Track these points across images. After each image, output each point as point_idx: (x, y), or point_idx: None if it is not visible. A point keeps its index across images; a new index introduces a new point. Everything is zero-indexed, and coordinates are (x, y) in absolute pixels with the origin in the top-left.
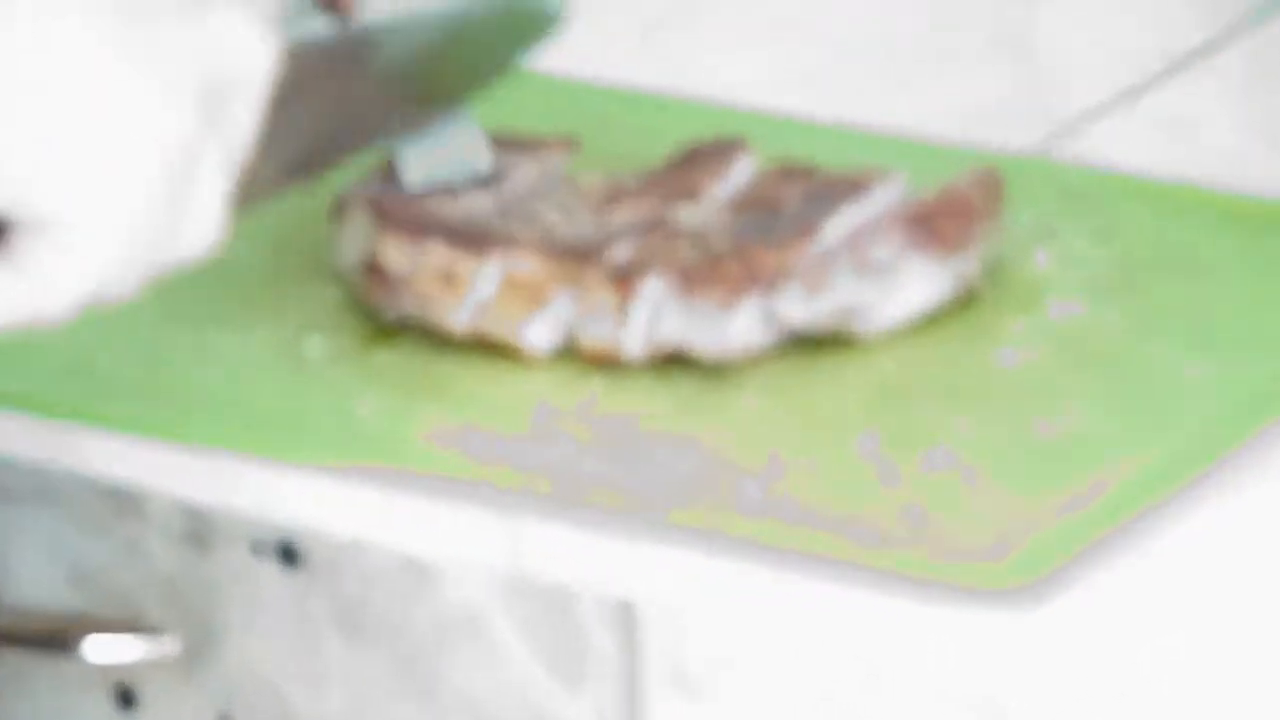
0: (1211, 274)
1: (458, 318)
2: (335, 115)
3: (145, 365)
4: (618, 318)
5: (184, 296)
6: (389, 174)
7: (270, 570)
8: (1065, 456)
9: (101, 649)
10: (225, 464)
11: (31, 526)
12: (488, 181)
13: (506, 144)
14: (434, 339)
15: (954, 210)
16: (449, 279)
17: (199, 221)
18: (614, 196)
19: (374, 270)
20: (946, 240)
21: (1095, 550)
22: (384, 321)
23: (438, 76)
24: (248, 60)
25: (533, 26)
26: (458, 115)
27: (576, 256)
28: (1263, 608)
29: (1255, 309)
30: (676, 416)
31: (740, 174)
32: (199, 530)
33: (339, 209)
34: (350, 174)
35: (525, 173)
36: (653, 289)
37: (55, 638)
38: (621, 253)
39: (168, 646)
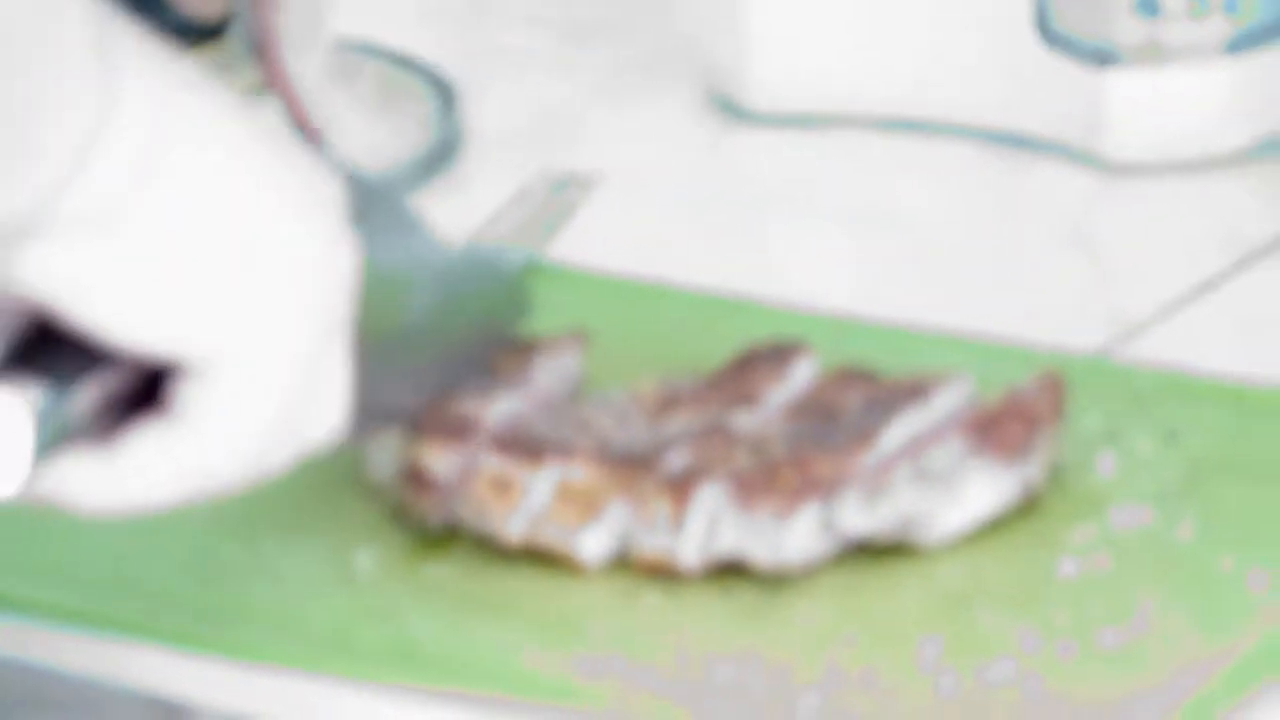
0: (1275, 475)
1: (511, 527)
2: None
3: (194, 579)
4: (673, 527)
5: (232, 508)
6: None
7: None
8: (1129, 669)
9: None
10: (276, 679)
11: None
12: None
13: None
14: (485, 549)
15: (1016, 416)
16: (502, 488)
17: (331, 393)
18: (670, 402)
19: (416, 479)
20: (1009, 446)
21: None
22: (431, 531)
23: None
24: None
25: (508, 300)
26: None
27: (631, 464)
28: None
29: None
30: (733, 628)
31: (800, 378)
32: None
33: None
34: None
35: (544, 372)
36: (709, 498)
37: None
38: (677, 461)
39: None
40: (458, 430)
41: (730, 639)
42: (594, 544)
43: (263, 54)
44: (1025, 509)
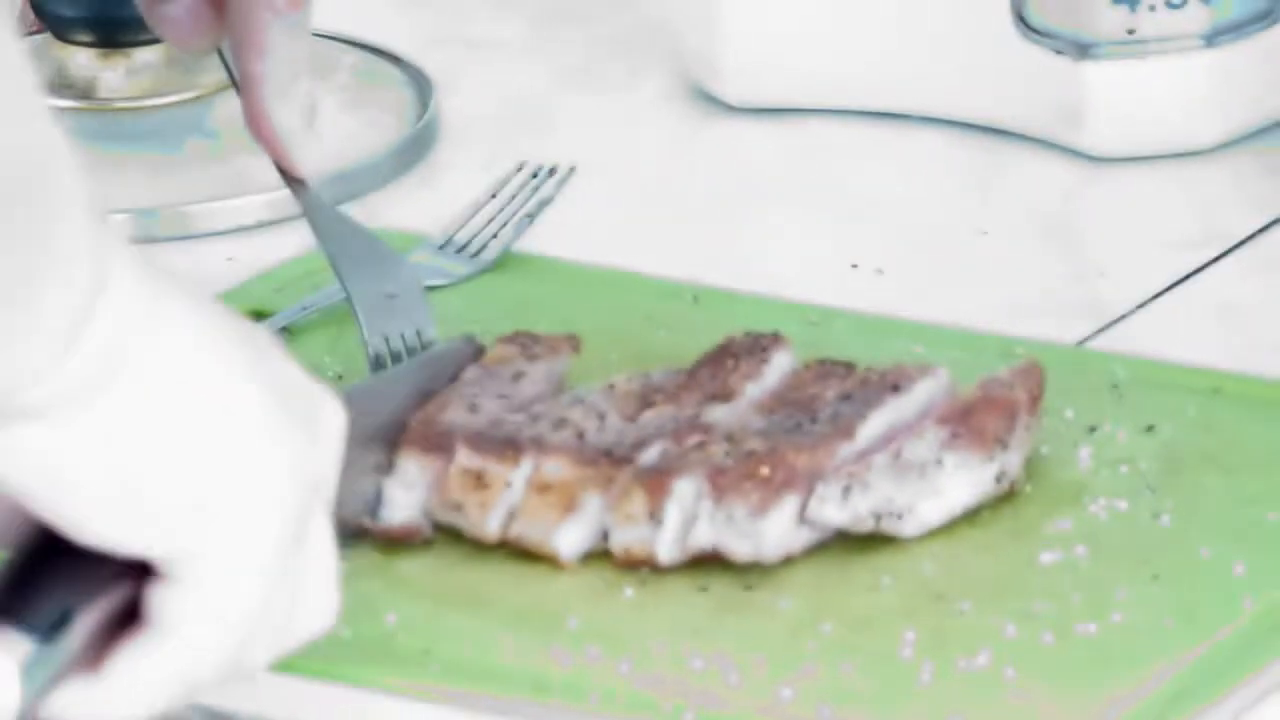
0: (1261, 468)
1: (488, 523)
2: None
3: None
4: (650, 521)
5: None
6: None
7: None
8: (1109, 658)
9: None
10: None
11: None
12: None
13: (514, 343)
14: (461, 544)
15: (994, 407)
16: (479, 484)
17: (319, 586)
18: (647, 396)
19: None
20: (987, 438)
21: None
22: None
23: None
24: (330, 422)
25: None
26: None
27: (608, 459)
28: None
29: None
30: (711, 621)
31: (777, 370)
32: None
33: None
34: None
35: (532, 376)
36: (685, 492)
37: None
38: (654, 455)
39: None
40: (437, 443)
41: (708, 631)
42: (571, 539)
43: (246, 99)
44: (1003, 500)
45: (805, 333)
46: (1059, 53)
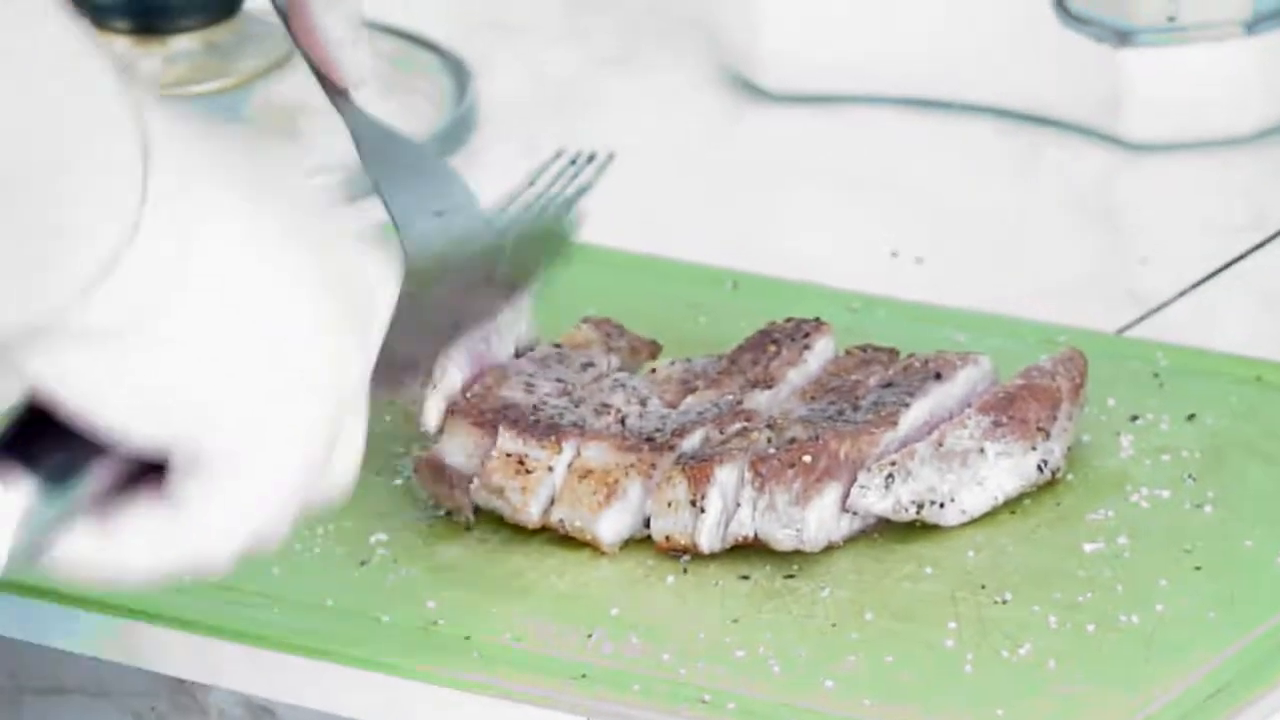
0: None
1: (530, 509)
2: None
3: None
4: (692, 509)
5: None
6: None
7: None
8: (1151, 649)
9: None
10: (291, 659)
11: None
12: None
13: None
14: (502, 530)
15: (1037, 396)
16: (520, 470)
17: (344, 460)
18: (688, 382)
19: (434, 469)
20: (1029, 427)
21: None
22: (451, 514)
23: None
24: (382, 295)
25: (551, 249)
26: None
27: (650, 446)
28: None
29: None
30: (752, 609)
31: (819, 356)
32: None
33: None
34: None
35: (599, 369)
36: (728, 479)
37: None
38: (695, 442)
39: None
40: (487, 419)
41: (749, 621)
42: (613, 525)
43: (293, 8)
44: (1045, 489)
45: (846, 320)
46: (1099, 40)
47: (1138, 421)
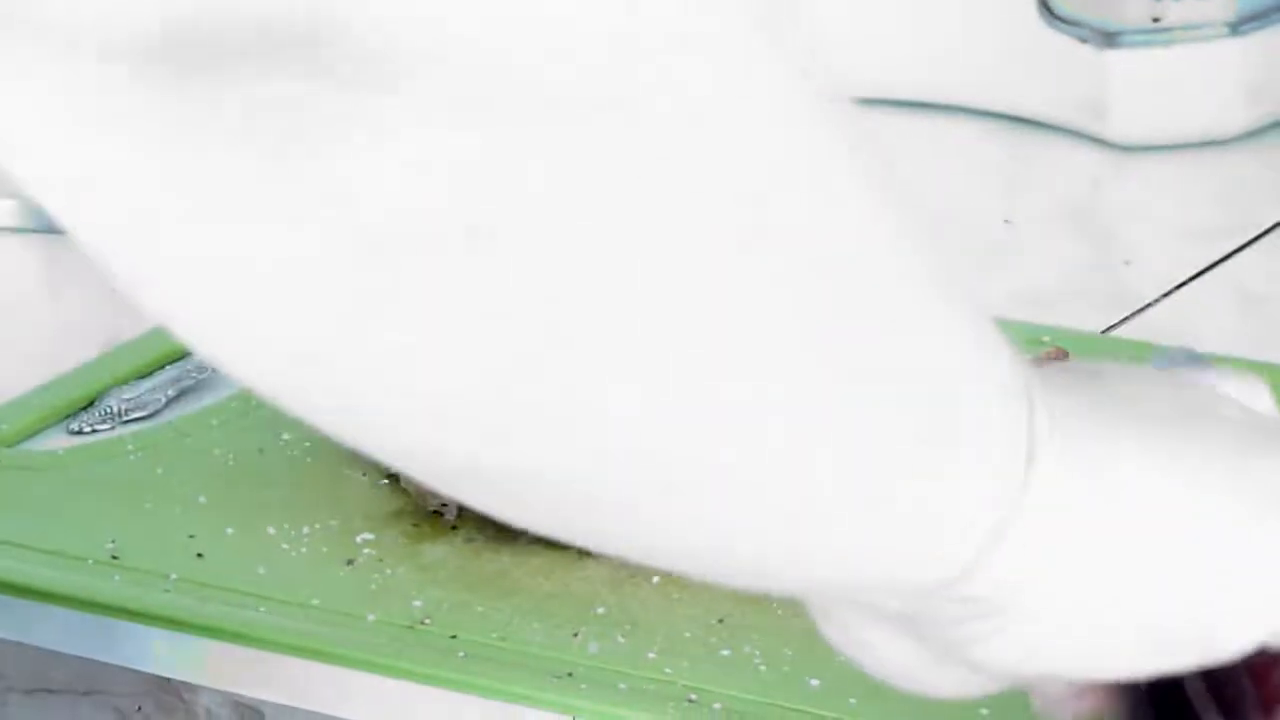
0: None
1: None
2: None
3: (193, 559)
4: None
5: (235, 491)
6: None
7: None
8: None
9: None
10: (278, 659)
11: None
12: None
13: None
14: (486, 529)
15: None
16: None
17: None
18: None
19: None
20: None
21: None
22: (437, 513)
23: None
24: None
25: None
26: None
27: None
28: None
29: None
30: (738, 608)
31: None
32: None
33: None
34: None
35: None
36: None
37: None
38: None
39: None
40: None
41: (735, 619)
42: None
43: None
44: None
45: None
46: (1084, 41)
47: None
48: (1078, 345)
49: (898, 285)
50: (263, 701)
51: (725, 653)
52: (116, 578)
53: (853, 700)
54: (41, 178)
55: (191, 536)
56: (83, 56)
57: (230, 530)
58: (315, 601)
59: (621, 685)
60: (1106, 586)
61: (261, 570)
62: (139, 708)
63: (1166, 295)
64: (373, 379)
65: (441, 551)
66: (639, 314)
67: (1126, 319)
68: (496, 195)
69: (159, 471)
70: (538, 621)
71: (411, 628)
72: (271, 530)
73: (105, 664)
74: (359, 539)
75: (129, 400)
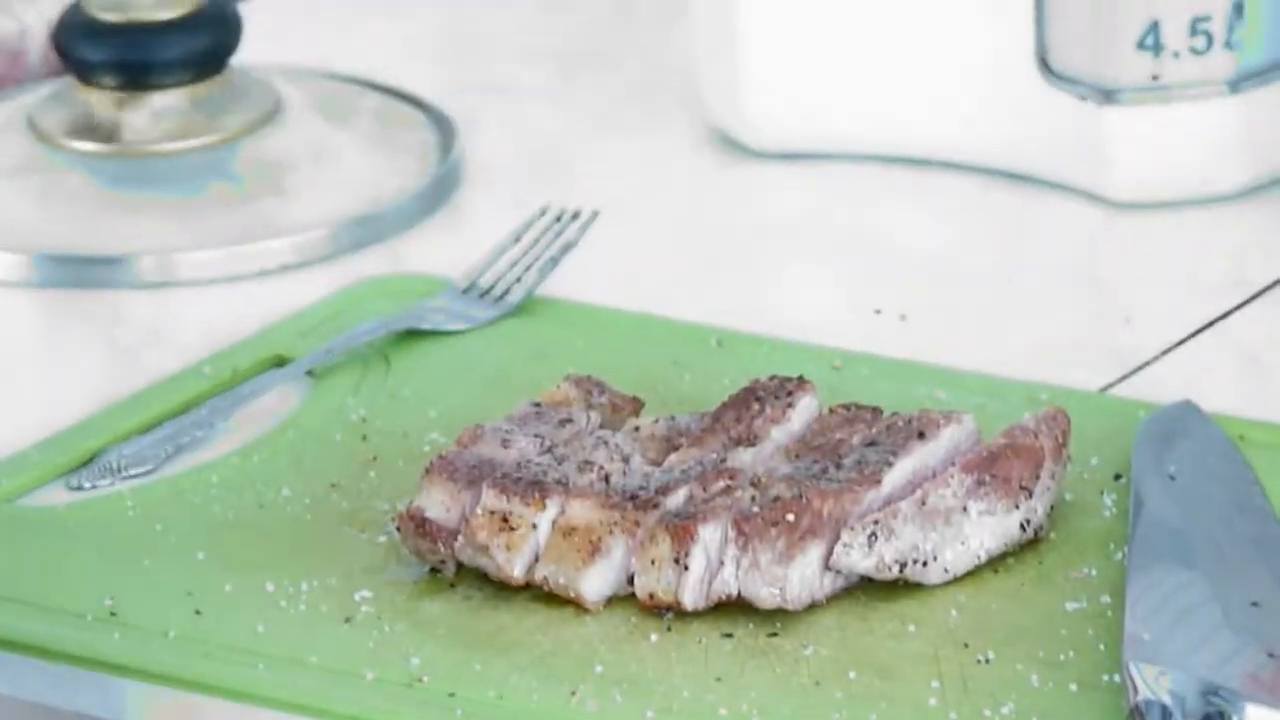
0: None
1: (514, 566)
2: None
3: (191, 616)
4: (675, 567)
5: (234, 545)
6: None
7: None
8: None
9: None
10: (276, 716)
11: None
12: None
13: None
14: (486, 587)
15: (1020, 455)
16: (505, 527)
17: None
18: (671, 440)
19: (417, 523)
20: (1012, 486)
21: None
22: (436, 570)
23: None
24: None
25: None
26: None
27: (634, 504)
28: None
29: None
30: (736, 667)
31: (802, 414)
32: None
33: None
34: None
35: (578, 425)
36: (711, 538)
37: None
38: (679, 500)
39: None
40: (462, 474)
41: (733, 678)
42: (596, 583)
43: None
44: (1028, 548)
45: (829, 377)
46: (1083, 98)
47: (1121, 480)
48: (1077, 403)
49: None
50: None
51: (723, 711)
52: (115, 634)
53: None
54: None
55: (190, 593)
56: None
57: (229, 587)
58: (313, 659)
59: None
60: None
61: (260, 627)
62: None
63: (1166, 353)
64: None
65: (439, 608)
66: None
67: (1125, 377)
68: None
69: (158, 528)
70: (535, 679)
71: (409, 685)
72: (270, 587)
73: None
74: (357, 596)
75: (128, 456)
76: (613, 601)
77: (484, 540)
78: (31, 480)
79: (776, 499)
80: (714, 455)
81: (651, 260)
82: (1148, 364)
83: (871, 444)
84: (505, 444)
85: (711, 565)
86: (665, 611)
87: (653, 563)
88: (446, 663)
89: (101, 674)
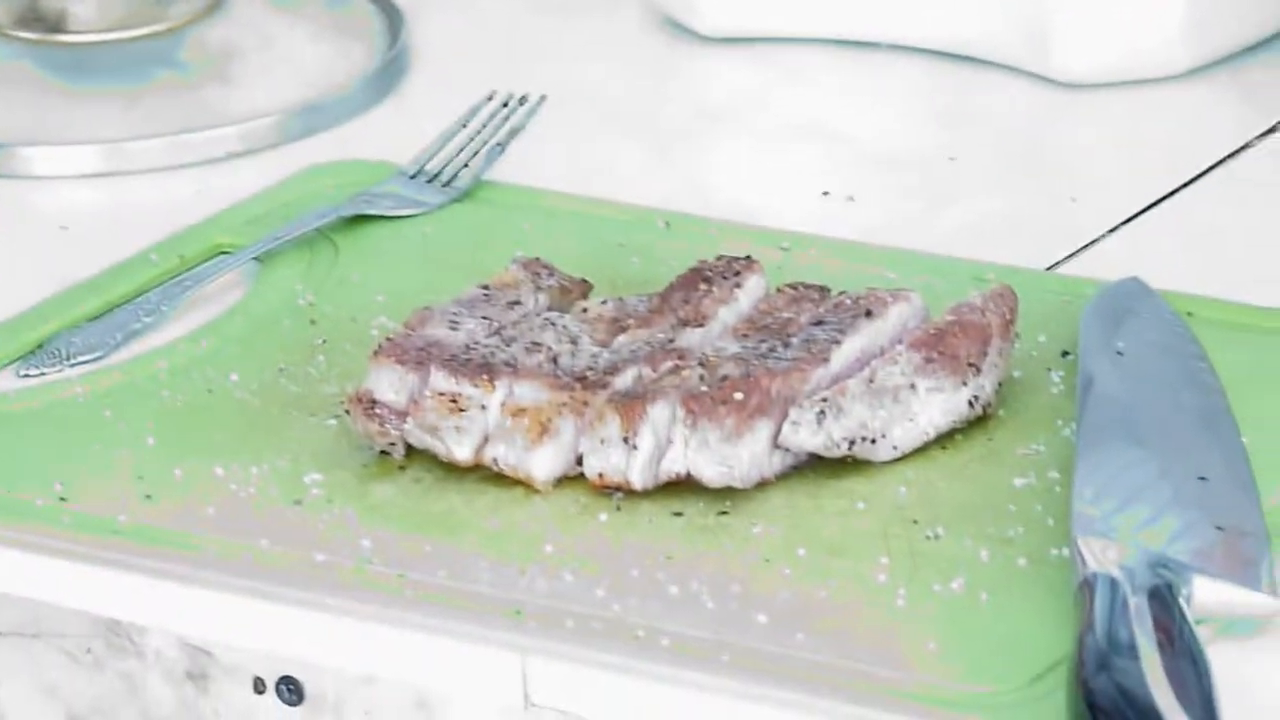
0: (1231, 391)
1: (462, 448)
2: None
3: (142, 501)
4: (624, 446)
5: (185, 431)
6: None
7: (272, 707)
8: None
9: None
10: (227, 600)
11: (23, 664)
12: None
13: (528, 269)
14: (435, 469)
15: (968, 332)
16: (453, 409)
17: None
18: (619, 321)
19: (365, 404)
20: (960, 363)
21: None
22: (385, 453)
23: None
24: None
25: None
26: None
27: (582, 384)
28: None
29: (1272, 424)
30: (685, 545)
31: (749, 294)
32: (199, 667)
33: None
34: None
35: (526, 308)
36: (659, 417)
37: None
38: (627, 380)
39: None
40: (411, 356)
41: (682, 557)
42: (546, 463)
43: None
44: (977, 425)
45: (777, 259)
46: None
47: (1068, 357)
48: (1023, 281)
49: None
50: (211, 642)
51: (673, 590)
52: (65, 519)
53: (800, 635)
54: None
55: (140, 478)
56: None
57: (179, 472)
58: (264, 542)
59: (569, 623)
60: None
61: (210, 511)
62: (88, 650)
63: (1113, 231)
64: None
65: (389, 491)
66: None
67: (1073, 255)
68: None
69: (107, 414)
70: (486, 560)
71: (359, 568)
72: (220, 471)
73: (54, 606)
74: (307, 479)
75: (77, 343)
76: (562, 482)
77: (433, 422)
78: None
79: (725, 378)
80: (662, 336)
81: (599, 144)
82: (1095, 242)
83: (819, 323)
84: (453, 326)
85: (660, 444)
86: (615, 491)
87: (602, 442)
88: (396, 545)
89: (52, 559)
